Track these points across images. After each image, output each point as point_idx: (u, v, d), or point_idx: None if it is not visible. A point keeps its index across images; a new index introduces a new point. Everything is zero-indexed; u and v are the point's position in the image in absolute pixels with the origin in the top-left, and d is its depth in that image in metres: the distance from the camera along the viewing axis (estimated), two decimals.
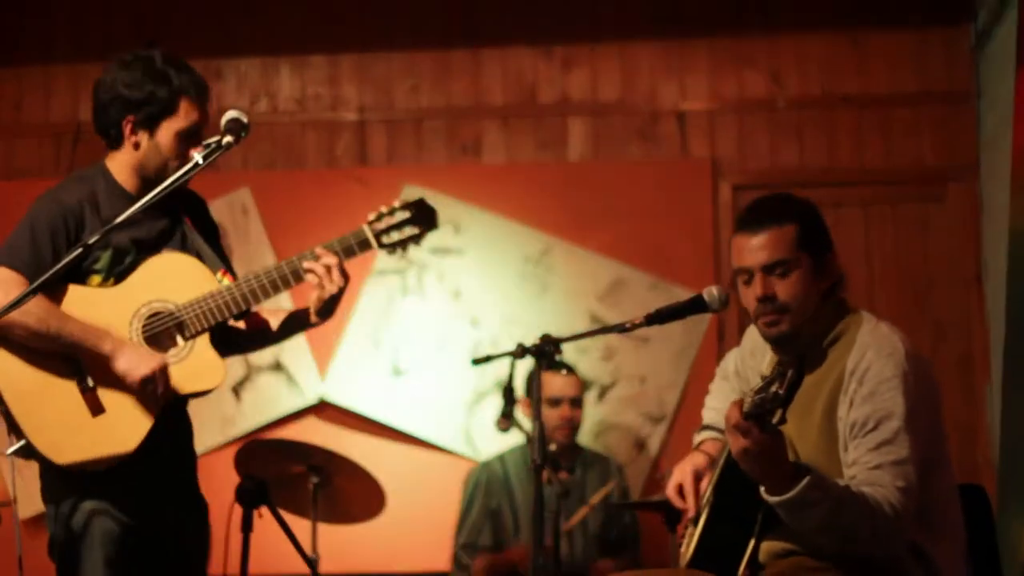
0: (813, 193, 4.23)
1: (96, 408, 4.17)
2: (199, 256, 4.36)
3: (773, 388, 3.42)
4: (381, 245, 4.46)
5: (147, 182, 4.22)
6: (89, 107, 6.84)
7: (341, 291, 4.36)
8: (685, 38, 7.42)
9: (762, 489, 3.64)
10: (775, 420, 3.45)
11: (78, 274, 4.20)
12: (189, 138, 4.26)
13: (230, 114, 4.03)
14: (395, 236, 4.50)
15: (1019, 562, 5.78)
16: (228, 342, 4.45)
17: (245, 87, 7.53)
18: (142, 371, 4.13)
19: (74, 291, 4.20)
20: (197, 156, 3.95)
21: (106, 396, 4.18)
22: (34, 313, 4.09)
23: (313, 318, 4.44)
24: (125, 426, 4.17)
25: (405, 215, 4.54)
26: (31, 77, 7.62)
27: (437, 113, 7.49)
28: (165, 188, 3.92)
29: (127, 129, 4.28)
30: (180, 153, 4.23)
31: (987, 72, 6.99)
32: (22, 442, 4.18)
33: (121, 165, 4.32)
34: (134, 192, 4.26)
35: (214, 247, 4.44)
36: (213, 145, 3.97)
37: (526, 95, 7.48)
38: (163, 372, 4.15)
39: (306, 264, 4.33)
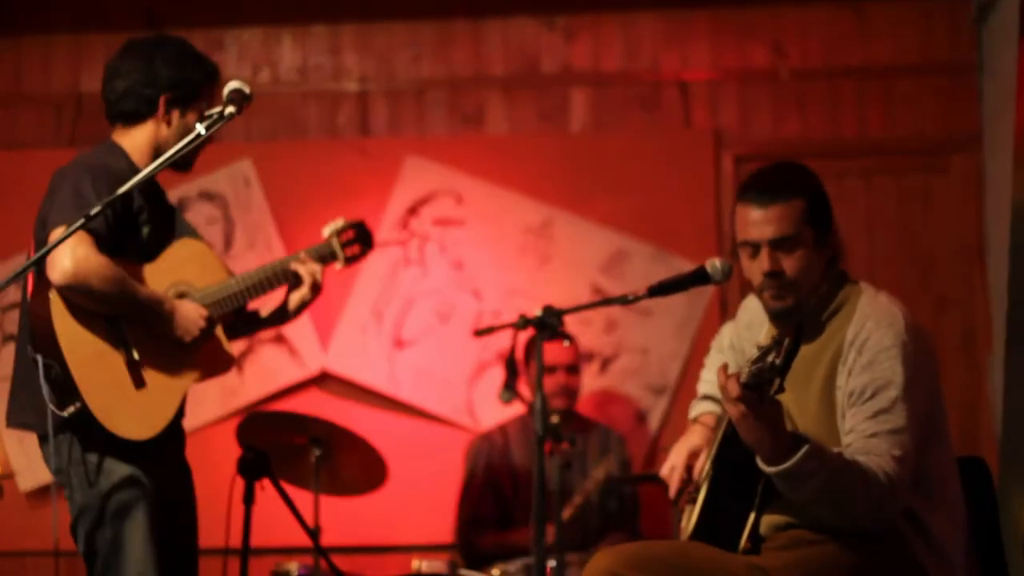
0: (815, 164, 4.22)
1: (139, 381, 4.30)
2: None
3: (770, 358, 3.43)
4: (345, 259, 4.91)
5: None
6: (91, 78, 6.86)
7: (316, 297, 4.76)
8: (687, 8, 7.40)
9: (759, 459, 3.65)
10: (773, 390, 3.46)
11: (132, 247, 4.38)
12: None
13: (232, 84, 4.06)
14: (348, 252, 4.90)
15: (1020, 534, 5.79)
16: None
17: (246, 57, 7.51)
18: (200, 325, 4.39)
19: (123, 263, 4.32)
20: (200, 127, 3.99)
21: (148, 371, 4.33)
22: (99, 274, 4.19)
23: (288, 318, 4.81)
24: (161, 402, 4.35)
25: (352, 234, 4.94)
26: (30, 47, 7.59)
27: (439, 83, 7.48)
28: (170, 157, 4.00)
29: (163, 106, 4.43)
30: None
31: (989, 44, 6.99)
32: (77, 405, 4.23)
33: (138, 143, 4.46)
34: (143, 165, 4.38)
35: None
36: (215, 116, 4.01)
37: (528, 65, 7.47)
38: (209, 322, 4.43)
39: (294, 265, 4.68)
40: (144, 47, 4.49)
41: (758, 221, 3.95)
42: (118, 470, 4.28)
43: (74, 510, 4.35)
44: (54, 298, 4.23)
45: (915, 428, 3.76)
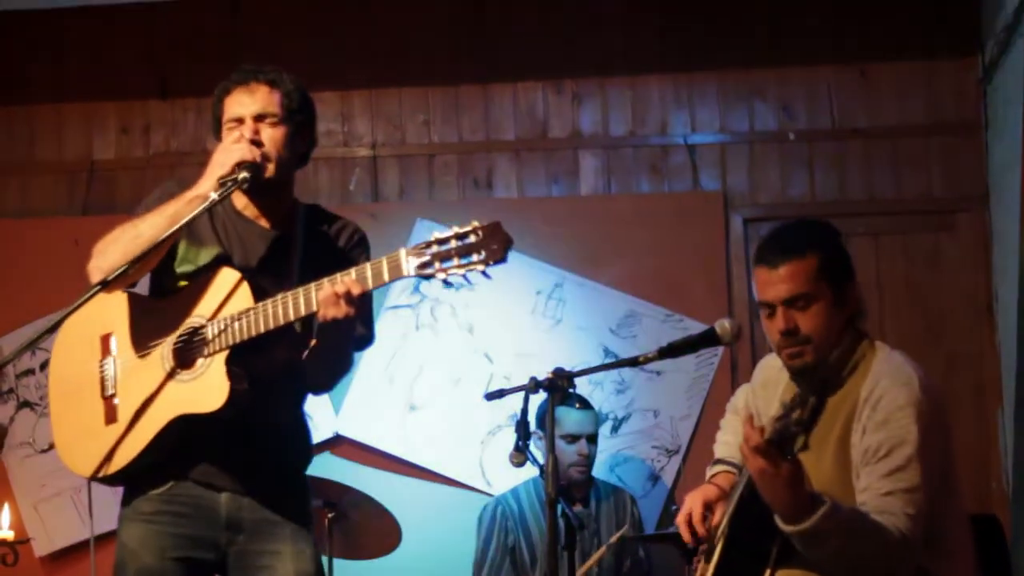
0: None
1: (111, 417, 4.12)
2: (276, 287, 4.07)
3: (795, 415, 3.43)
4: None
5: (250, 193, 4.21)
6: (101, 145, 6.80)
7: (340, 319, 3.90)
8: (695, 71, 7.46)
9: (776, 518, 3.66)
10: (797, 447, 3.47)
11: (168, 274, 4.19)
12: (240, 126, 4.21)
13: None
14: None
15: None
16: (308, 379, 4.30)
17: None
18: (231, 159, 4.05)
19: (138, 298, 4.23)
20: (213, 194, 3.99)
21: (123, 406, 4.11)
22: (105, 241, 4.09)
23: (313, 340, 4.12)
24: (128, 440, 4.08)
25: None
26: (44, 116, 7.66)
27: (449, 148, 7.52)
28: (187, 222, 3.97)
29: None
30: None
31: (995, 103, 7.02)
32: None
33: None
34: (240, 207, 4.27)
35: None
36: (228, 182, 4.01)
37: (537, 129, 7.52)
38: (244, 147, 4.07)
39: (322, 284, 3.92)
40: None
41: (771, 281, 3.98)
42: (123, 534, 4.17)
43: None
44: (58, 337, 4.21)
45: (929, 486, 3.77)
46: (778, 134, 7.39)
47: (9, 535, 6.66)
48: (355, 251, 4.38)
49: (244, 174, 4.03)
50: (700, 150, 7.40)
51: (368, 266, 3.88)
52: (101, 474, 4.12)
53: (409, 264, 3.81)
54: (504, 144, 7.52)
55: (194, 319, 4.09)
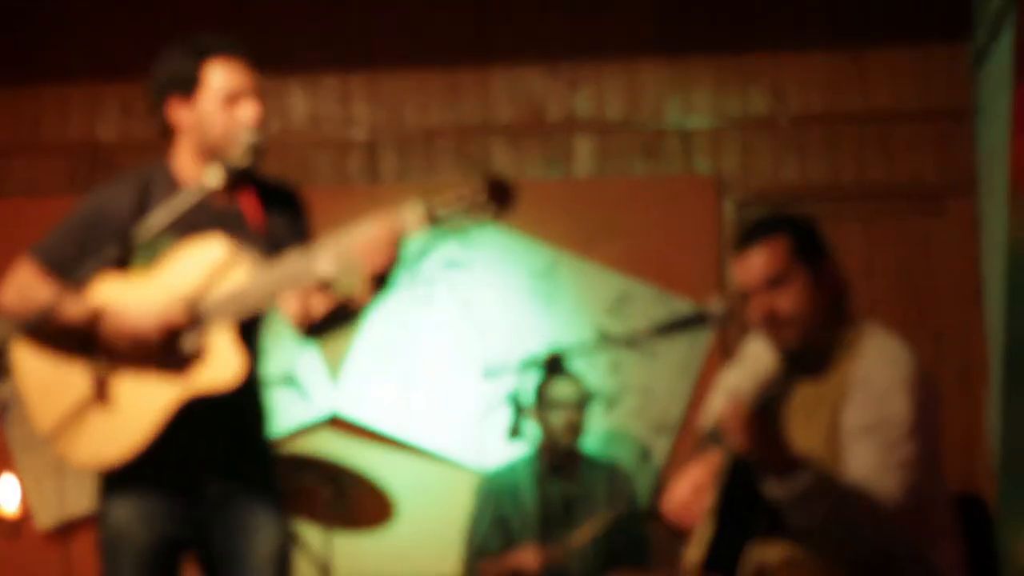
0: (815, 209, 4.31)
1: (106, 403, 4.01)
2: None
3: (772, 388, 3.50)
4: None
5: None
6: (106, 125, 6.79)
7: (388, 265, 4.02)
8: (689, 56, 7.50)
9: (768, 485, 3.72)
10: (775, 418, 3.53)
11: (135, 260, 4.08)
12: (235, 100, 4.13)
13: (247, 138, 4.08)
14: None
15: (1018, 569, 5.85)
16: (315, 326, 4.24)
17: None
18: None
19: (106, 282, 4.05)
20: (210, 178, 3.97)
21: (121, 389, 4.01)
22: (11, 297, 4.08)
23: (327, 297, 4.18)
24: (132, 423, 4.00)
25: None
26: (48, 96, 7.70)
27: (446, 131, 7.58)
28: (181, 206, 3.93)
29: (168, 112, 4.18)
30: (233, 117, 4.11)
31: (985, 88, 7.05)
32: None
33: (181, 154, 4.19)
34: (186, 180, 4.13)
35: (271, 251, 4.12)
36: (226, 167, 4.01)
37: (534, 113, 7.57)
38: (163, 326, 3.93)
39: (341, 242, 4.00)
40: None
41: (745, 268, 4.01)
42: (111, 514, 4.10)
43: None
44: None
45: (921, 462, 3.82)
46: (770, 119, 7.45)
47: (11, 509, 6.74)
48: (301, 213, 4.41)
49: (252, 160, 4.07)
50: (693, 134, 7.46)
51: (390, 214, 3.98)
52: (106, 462, 4.04)
53: (420, 213, 3.94)
54: (501, 128, 7.57)
55: (182, 293, 3.98)
